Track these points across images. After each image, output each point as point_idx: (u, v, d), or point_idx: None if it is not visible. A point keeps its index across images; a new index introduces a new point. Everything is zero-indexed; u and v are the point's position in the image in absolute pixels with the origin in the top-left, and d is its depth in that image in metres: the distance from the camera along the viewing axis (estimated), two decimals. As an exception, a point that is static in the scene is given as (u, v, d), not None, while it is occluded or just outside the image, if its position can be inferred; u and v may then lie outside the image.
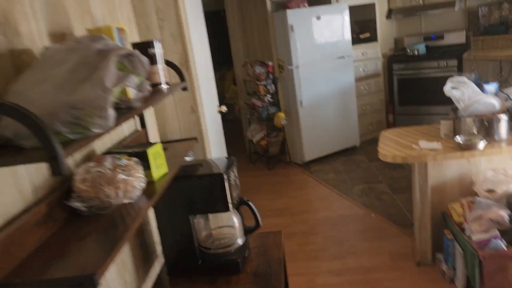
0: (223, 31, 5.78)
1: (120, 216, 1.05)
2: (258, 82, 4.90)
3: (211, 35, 4.42)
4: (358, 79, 5.43)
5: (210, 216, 1.72)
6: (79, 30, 1.28)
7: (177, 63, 2.73)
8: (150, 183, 1.21)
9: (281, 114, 4.91)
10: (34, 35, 1.05)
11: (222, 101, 7.44)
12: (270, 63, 4.90)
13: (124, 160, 1.11)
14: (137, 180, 1.08)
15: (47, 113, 0.73)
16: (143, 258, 1.65)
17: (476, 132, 2.53)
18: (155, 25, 2.63)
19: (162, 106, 2.78)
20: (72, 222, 1.04)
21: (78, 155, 1.21)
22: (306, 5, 4.90)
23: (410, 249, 3.00)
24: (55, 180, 1.07)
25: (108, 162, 1.08)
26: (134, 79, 0.88)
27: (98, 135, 0.81)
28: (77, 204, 1.01)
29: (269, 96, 4.92)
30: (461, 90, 2.63)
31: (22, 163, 0.72)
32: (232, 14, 5.50)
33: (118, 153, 1.20)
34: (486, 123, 2.50)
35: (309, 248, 3.22)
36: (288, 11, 4.61)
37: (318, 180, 4.55)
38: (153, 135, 1.89)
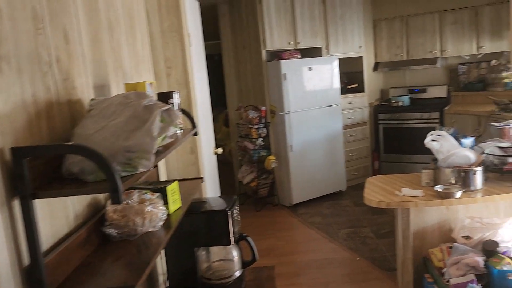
0: (217, 74, 6.06)
1: (144, 243, 1.21)
2: (251, 126, 5.14)
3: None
4: (346, 127, 5.71)
5: (211, 249, 1.87)
6: (114, 82, 1.49)
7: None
8: (167, 215, 1.38)
9: (272, 157, 5.12)
10: (84, 88, 1.25)
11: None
12: (263, 108, 5.16)
13: (149, 195, 1.28)
14: (160, 212, 1.25)
15: (107, 154, 0.92)
16: (149, 287, 1.78)
17: (454, 182, 2.75)
18: (163, 73, 2.87)
19: (165, 145, 2.96)
20: (103, 246, 1.20)
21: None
22: (299, 56, 5.25)
23: (393, 291, 3.14)
24: (91, 210, 1.24)
25: (136, 196, 1.26)
26: (172, 129, 1.07)
27: (143, 173, 0.99)
28: (110, 231, 1.18)
29: (261, 139, 5.14)
30: (440, 142, 2.87)
31: (89, 193, 0.90)
32: (228, 59, 5.82)
33: (143, 188, 1.37)
34: (462, 174, 2.72)
35: (296, 289, 3.33)
36: (282, 62, 4.93)
37: (305, 223, 4.71)
38: (163, 173, 2.07)
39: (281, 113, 5.04)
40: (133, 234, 1.18)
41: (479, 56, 5.72)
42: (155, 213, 1.22)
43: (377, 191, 2.93)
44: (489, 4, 5.34)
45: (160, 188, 1.37)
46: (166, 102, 1.65)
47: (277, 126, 5.17)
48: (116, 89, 1.49)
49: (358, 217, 4.72)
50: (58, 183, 0.95)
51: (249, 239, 1.79)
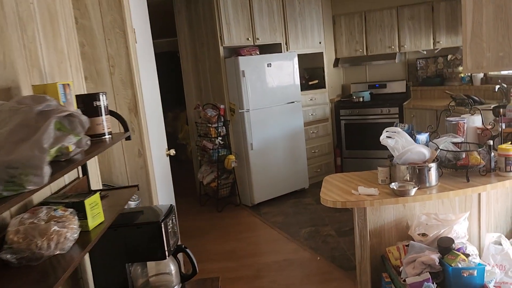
0: (178, 71, 5.90)
1: (52, 267, 1.06)
2: (210, 125, 5.00)
3: (166, 76, 4.49)
4: (307, 123, 5.65)
5: (148, 262, 1.73)
6: (26, 85, 1.32)
7: (126, 108, 2.79)
8: (85, 232, 1.23)
9: (232, 157, 5.00)
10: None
11: (175, 141, 7.48)
12: (222, 106, 5.03)
13: (60, 211, 1.13)
14: (70, 231, 1.10)
15: (-20, 171, 0.77)
16: (79, 308, 1.62)
17: (409, 179, 2.71)
18: (106, 71, 2.69)
19: (109, 149, 2.78)
20: (1, 274, 1.04)
21: (13, 206, 1.22)
22: (258, 52, 5.14)
23: (353, 292, 3.09)
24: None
25: (43, 213, 1.10)
26: (72, 139, 0.93)
27: (32, 192, 0.84)
28: (7, 256, 1.02)
29: (220, 138, 5.01)
30: (395, 139, 2.83)
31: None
32: (186, 56, 5.65)
33: (56, 203, 1.22)
34: (417, 170, 2.69)
35: (255, 292, 3.24)
36: (240, 58, 4.81)
37: (267, 222, 4.62)
38: (95, 181, 1.91)
39: (240, 111, 4.92)
40: (36, 258, 1.03)
41: (436, 51, 5.78)
42: (63, 233, 1.07)
43: (333, 190, 2.87)
44: (444, 0, 5.39)
45: (76, 202, 1.22)
46: (91, 105, 1.50)
47: (236, 124, 5.05)
48: (29, 92, 1.32)
49: (320, 215, 4.67)
50: None
51: (188, 250, 1.66)
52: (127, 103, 2.76)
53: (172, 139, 7.13)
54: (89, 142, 1.10)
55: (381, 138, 2.86)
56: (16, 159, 0.79)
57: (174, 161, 3.49)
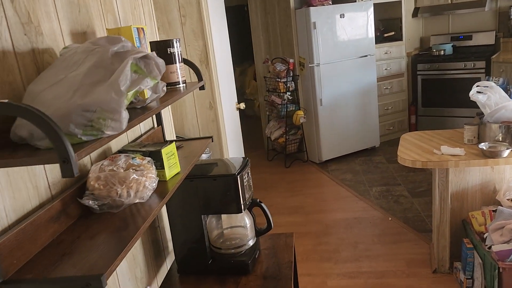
0: (246, 26, 5.76)
1: (131, 215, 1.05)
2: (278, 79, 4.87)
3: (234, 30, 4.38)
4: (381, 79, 5.34)
5: (223, 215, 1.71)
6: (101, 29, 1.29)
7: (197, 60, 2.75)
8: (162, 182, 1.21)
9: (300, 112, 4.87)
10: (55, 34, 1.06)
11: (242, 96, 7.47)
12: (291, 61, 4.86)
13: (138, 160, 1.11)
14: (149, 181, 1.08)
15: (61, 114, 0.73)
16: (155, 255, 1.66)
17: (501, 140, 2.46)
18: (177, 22, 2.64)
19: (181, 101, 2.79)
20: (85, 219, 1.05)
21: (94, 153, 1.22)
22: (330, 2, 4.84)
23: (427, 256, 2.95)
24: (73, 178, 1.08)
25: (122, 161, 1.09)
26: (149, 82, 0.87)
27: (111, 137, 0.80)
28: (90, 202, 1.02)
29: (289, 93, 4.89)
30: (488, 95, 2.55)
31: (33, 164, 0.73)
32: (255, 9, 5.48)
33: (133, 151, 1.20)
34: None
35: (322, 249, 3.20)
36: (312, 9, 4.56)
37: (335, 180, 4.51)
38: (169, 132, 1.90)
39: (310, 65, 4.73)
40: (116, 205, 1.02)
41: (534, -3, 5.10)
42: (142, 182, 1.04)
43: (412, 149, 2.68)
44: None
45: (153, 152, 1.19)
46: (166, 53, 1.45)
47: (306, 79, 4.88)
48: (104, 37, 1.29)
49: (392, 174, 4.46)
50: (8, 150, 0.78)
51: (263, 205, 1.61)
52: (198, 54, 2.71)
53: (240, 95, 7.12)
54: (165, 89, 1.05)
55: (471, 93, 2.59)
56: (93, 102, 0.75)
57: (241, 117, 3.44)
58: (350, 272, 2.87)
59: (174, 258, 1.73)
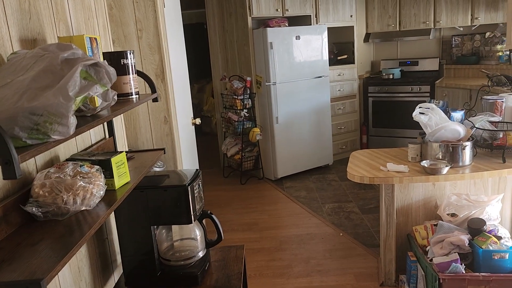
0: (206, 43, 5.82)
1: (77, 222, 1.04)
2: (235, 96, 4.94)
3: (193, 47, 4.42)
4: (334, 99, 5.53)
5: (173, 227, 1.71)
6: (52, 37, 1.29)
7: (153, 74, 2.75)
8: (111, 191, 1.21)
9: (256, 130, 4.94)
10: (5, 40, 1.05)
11: (199, 113, 7.47)
12: (248, 78, 4.95)
13: (86, 168, 1.11)
14: (96, 188, 1.07)
15: (5, 117, 0.73)
16: (102, 268, 1.63)
17: (441, 157, 2.61)
18: (133, 35, 2.64)
19: (136, 115, 2.77)
20: (27, 227, 1.03)
21: (40, 160, 1.20)
22: (287, 24, 5.00)
23: (375, 269, 3.04)
24: (13, 184, 1.06)
25: (70, 168, 1.08)
26: (98, 89, 0.88)
27: (58, 142, 0.81)
28: (33, 209, 1.00)
29: (245, 111, 4.96)
30: (429, 115, 2.71)
31: (-26, 165, 0.72)
32: (214, 27, 5.56)
33: (82, 160, 1.19)
34: (450, 149, 2.58)
35: (275, 265, 3.23)
36: (269, 29, 4.69)
37: (290, 196, 4.59)
38: (121, 144, 1.89)
39: (267, 83, 4.84)
40: (62, 213, 1.01)
41: (473, 28, 5.51)
42: (89, 189, 1.04)
43: (361, 166, 2.79)
44: (486, -28, 5.10)
45: (102, 160, 1.19)
46: (119, 63, 1.46)
47: (262, 97, 4.98)
48: (56, 45, 1.28)
49: (344, 191, 4.60)
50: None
51: (214, 216, 1.63)
52: (154, 68, 2.72)
53: (197, 111, 7.12)
54: (115, 97, 1.06)
55: (413, 113, 2.75)
56: (40, 105, 0.75)
57: (198, 134, 3.45)
58: (302, 287, 2.91)
59: (122, 271, 1.70)
